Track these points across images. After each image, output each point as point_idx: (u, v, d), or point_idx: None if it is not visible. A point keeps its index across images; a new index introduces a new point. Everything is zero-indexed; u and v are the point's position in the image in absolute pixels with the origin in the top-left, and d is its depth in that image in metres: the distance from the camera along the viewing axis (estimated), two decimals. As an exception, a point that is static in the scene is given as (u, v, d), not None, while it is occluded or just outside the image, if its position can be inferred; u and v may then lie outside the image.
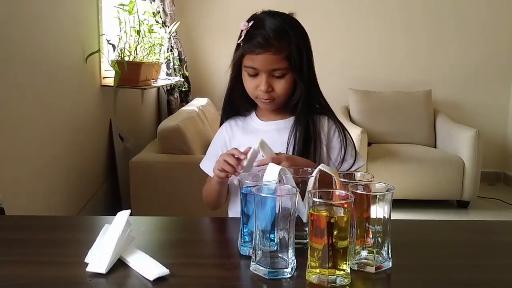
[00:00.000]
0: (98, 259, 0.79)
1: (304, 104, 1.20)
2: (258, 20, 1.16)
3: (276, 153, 1.06)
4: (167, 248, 0.93)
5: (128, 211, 0.86)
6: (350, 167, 1.22)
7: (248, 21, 1.18)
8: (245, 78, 1.20)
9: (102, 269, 0.77)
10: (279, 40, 1.13)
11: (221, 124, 1.33)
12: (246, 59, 1.16)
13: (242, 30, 1.17)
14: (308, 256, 0.76)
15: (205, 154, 1.34)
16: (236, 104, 1.28)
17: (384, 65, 4.13)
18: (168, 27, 3.45)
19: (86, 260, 0.80)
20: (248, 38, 1.15)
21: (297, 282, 0.77)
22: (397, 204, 2.83)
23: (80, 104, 2.30)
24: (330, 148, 1.23)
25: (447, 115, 3.86)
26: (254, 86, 1.18)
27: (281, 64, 1.14)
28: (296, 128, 1.20)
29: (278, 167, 0.86)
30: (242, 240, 0.87)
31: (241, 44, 1.17)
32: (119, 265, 0.80)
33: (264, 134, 1.18)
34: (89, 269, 0.78)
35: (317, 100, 1.25)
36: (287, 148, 1.19)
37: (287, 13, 1.22)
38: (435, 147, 3.78)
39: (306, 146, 1.19)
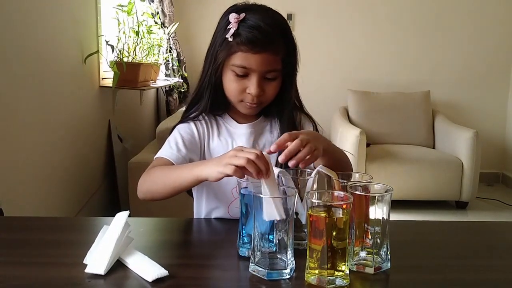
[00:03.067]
0: (96, 260, 0.79)
1: (291, 107, 1.13)
2: (251, 13, 1.02)
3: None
4: (166, 249, 0.93)
5: (127, 212, 0.85)
6: None
7: (238, 12, 1.03)
8: (229, 78, 1.06)
9: (101, 270, 0.77)
10: (279, 39, 1.03)
11: (182, 122, 1.16)
12: (237, 57, 1.03)
13: (230, 23, 1.02)
14: (307, 257, 0.76)
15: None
16: (214, 105, 1.13)
17: (383, 66, 4.13)
18: (167, 28, 3.45)
19: (84, 261, 0.80)
20: (240, 32, 1.01)
21: (296, 283, 0.77)
22: (396, 204, 2.83)
23: (79, 105, 2.30)
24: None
25: (445, 116, 3.87)
26: (241, 88, 1.05)
27: (277, 66, 1.04)
28: (284, 130, 1.09)
29: (278, 169, 0.86)
30: (241, 241, 0.87)
31: (230, 40, 1.02)
32: (118, 266, 0.80)
33: (242, 137, 1.14)
34: (87, 270, 0.78)
35: (297, 99, 1.17)
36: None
37: (286, 14, 1.18)
38: (433, 147, 3.78)
39: None
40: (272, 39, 1.01)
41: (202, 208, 1.18)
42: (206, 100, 1.12)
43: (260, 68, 1.03)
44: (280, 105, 1.13)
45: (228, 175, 0.85)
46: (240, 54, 1.02)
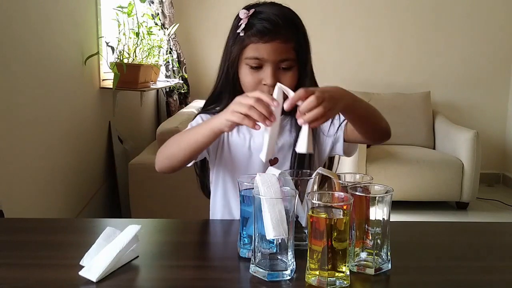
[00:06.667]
0: (93, 266, 0.77)
1: None
2: (260, 8, 1.08)
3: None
4: (166, 251, 0.93)
5: (139, 226, 0.84)
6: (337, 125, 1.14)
7: (248, 9, 1.08)
8: (245, 72, 1.08)
9: (93, 277, 0.76)
10: (288, 28, 1.05)
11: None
12: (249, 50, 1.05)
13: (241, 19, 1.06)
14: (308, 258, 0.76)
15: None
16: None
17: (383, 66, 4.13)
18: (167, 29, 3.45)
19: (81, 263, 0.80)
20: (251, 26, 1.05)
21: (296, 284, 0.77)
22: (396, 205, 2.83)
23: (79, 107, 2.30)
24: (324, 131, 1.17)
25: (446, 116, 3.87)
26: (256, 80, 1.06)
27: (290, 55, 1.05)
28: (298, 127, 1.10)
29: (277, 171, 0.86)
30: (242, 242, 0.87)
31: (241, 34, 1.05)
32: (115, 273, 0.80)
33: (259, 134, 1.12)
34: (81, 273, 0.76)
35: None
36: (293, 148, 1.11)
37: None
38: (434, 148, 3.78)
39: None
40: (280, 28, 1.04)
41: (218, 199, 1.18)
42: (227, 101, 1.09)
43: (273, 57, 1.04)
44: None
45: (236, 123, 0.88)
46: (251, 46, 1.05)
